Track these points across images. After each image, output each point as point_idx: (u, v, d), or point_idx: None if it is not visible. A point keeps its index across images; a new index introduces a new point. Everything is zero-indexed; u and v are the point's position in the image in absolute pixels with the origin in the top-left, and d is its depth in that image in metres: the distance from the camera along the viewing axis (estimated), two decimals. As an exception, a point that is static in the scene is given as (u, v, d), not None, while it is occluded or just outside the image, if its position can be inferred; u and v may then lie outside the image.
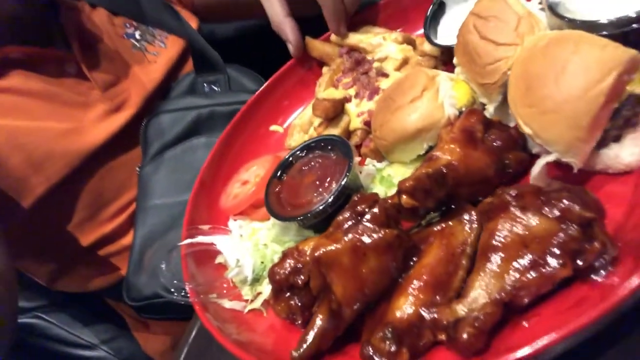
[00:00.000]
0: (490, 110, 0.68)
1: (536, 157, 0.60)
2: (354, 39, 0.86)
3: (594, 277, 0.48)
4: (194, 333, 0.79)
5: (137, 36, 1.24)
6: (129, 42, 1.22)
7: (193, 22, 1.29)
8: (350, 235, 0.55)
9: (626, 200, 0.54)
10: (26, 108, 1.05)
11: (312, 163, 0.71)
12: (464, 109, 0.68)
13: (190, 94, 1.20)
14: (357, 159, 0.76)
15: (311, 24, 0.92)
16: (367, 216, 0.55)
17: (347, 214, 0.56)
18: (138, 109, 1.15)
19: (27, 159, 1.03)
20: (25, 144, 1.03)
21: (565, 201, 0.49)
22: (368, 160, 0.77)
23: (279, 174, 0.73)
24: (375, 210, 0.55)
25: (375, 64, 0.82)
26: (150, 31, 1.26)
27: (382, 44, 0.84)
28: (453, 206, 0.60)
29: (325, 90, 0.82)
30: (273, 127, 0.94)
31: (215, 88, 1.22)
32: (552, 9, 0.60)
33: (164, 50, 1.24)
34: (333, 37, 0.89)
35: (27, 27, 1.07)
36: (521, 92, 0.57)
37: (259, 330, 0.66)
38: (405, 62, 0.83)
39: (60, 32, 1.13)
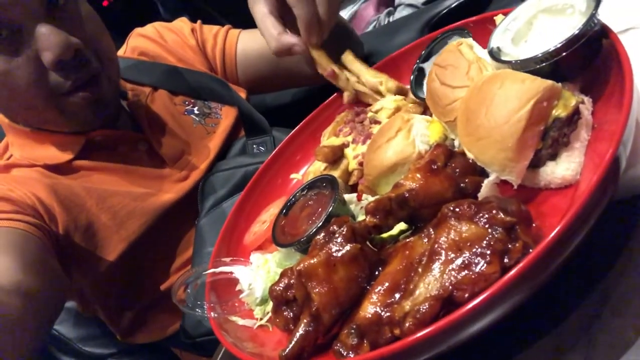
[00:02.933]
0: (456, 144, 0.78)
1: (494, 180, 0.69)
2: (355, 65, 1.00)
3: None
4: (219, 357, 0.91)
5: (196, 111, 1.42)
6: (190, 119, 1.40)
7: (242, 93, 1.47)
8: (323, 250, 0.66)
9: (563, 210, 0.62)
10: (109, 181, 1.24)
11: (310, 200, 0.84)
12: (435, 144, 0.79)
13: (241, 155, 1.36)
14: (353, 195, 0.88)
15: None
16: (337, 234, 0.67)
17: (322, 234, 0.68)
18: (202, 175, 1.31)
19: (112, 218, 1.20)
20: (111, 205, 1.20)
21: (492, 210, 0.58)
22: (364, 195, 0.88)
23: (284, 210, 0.86)
24: (344, 228, 0.67)
25: (370, 114, 0.95)
26: (206, 105, 1.44)
27: (379, 88, 0.98)
28: (419, 225, 0.70)
29: (328, 139, 0.96)
30: (293, 175, 1.08)
31: (262, 148, 1.37)
32: (492, 54, 0.71)
33: (220, 121, 1.42)
34: (343, 58, 1.04)
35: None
36: (463, 124, 0.68)
37: (267, 344, 0.77)
38: (397, 110, 0.95)
39: (130, 115, 1.33)
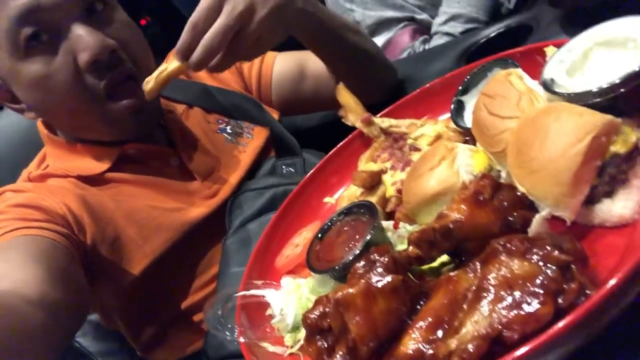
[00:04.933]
0: (503, 176, 0.75)
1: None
2: (386, 123, 0.99)
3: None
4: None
5: (229, 130, 1.43)
6: (222, 137, 1.40)
7: (275, 115, 1.48)
8: (363, 280, 0.64)
9: (620, 249, 0.59)
10: (139, 194, 1.24)
11: (347, 225, 0.82)
12: (480, 174, 0.76)
13: (270, 175, 1.35)
14: (390, 222, 0.86)
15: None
16: (378, 264, 0.64)
17: (362, 263, 0.66)
18: (231, 193, 1.31)
19: (139, 232, 1.20)
20: (138, 220, 1.20)
21: (545, 247, 0.55)
22: (401, 223, 0.86)
23: (319, 235, 0.84)
24: (385, 258, 0.64)
25: (409, 141, 0.93)
26: (239, 124, 1.44)
27: (416, 124, 0.96)
28: (464, 259, 0.67)
29: (365, 164, 0.94)
30: (326, 199, 1.06)
31: (292, 170, 1.36)
32: (545, 86, 0.69)
33: (251, 140, 1.41)
34: (376, 119, 1.02)
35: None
36: (514, 156, 0.65)
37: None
38: (437, 137, 0.93)
39: (164, 131, 1.34)
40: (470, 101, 0.95)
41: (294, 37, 1.19)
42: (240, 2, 0.95)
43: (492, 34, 1.50)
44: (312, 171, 1.08)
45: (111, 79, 1.08)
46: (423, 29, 2.01)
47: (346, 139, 1.10)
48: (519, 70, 0.77)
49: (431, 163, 0.78)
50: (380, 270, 0.64)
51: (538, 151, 0.61)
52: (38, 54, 1.04)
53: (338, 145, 1.10)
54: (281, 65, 1.48)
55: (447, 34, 1.90)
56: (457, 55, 1.51)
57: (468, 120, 0.91)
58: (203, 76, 1.46)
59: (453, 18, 1.89)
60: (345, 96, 1.03)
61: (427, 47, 1.96)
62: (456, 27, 1.88)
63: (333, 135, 1.13)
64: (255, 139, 1.42)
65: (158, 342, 1.32)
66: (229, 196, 1.29)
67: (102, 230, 1.16)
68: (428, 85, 1.07)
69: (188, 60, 0.97)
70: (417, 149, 0.91)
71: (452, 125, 0.92)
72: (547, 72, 0.69)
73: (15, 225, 1.04)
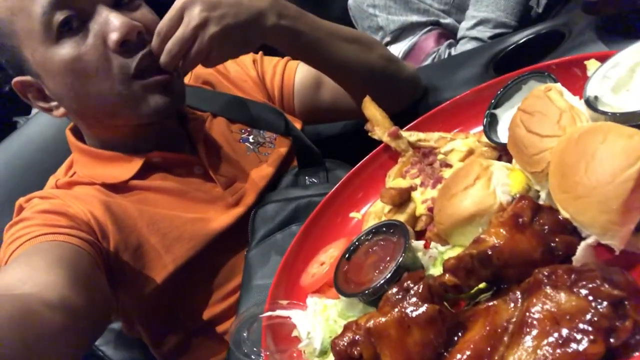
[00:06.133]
0: (542, 197, 0.72)
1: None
2: (414, 136, 0.96)
3: (634, 354, 0.49)
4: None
5: (251, 140, 1.42)
6: (244, 146, 1.40)
7: (298, 124, 1.46)
8: (396, 309, 0.61)
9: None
10: (162, 202, 1.24)
11: (375, 246, 0.79)
12: (517, 195, 0.73)
13: (293, 186, 1.34)
14: (420, 242, 0.83)
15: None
16: (412, 292, 0.61)
17: (395, 290, 0.63)
18: (253, 202, 1.30)
19: (161, 240, 1.19)
20: (161, 228, 1.20)
21: (595, 280, 0.52)
22: (432, 244, 0.82)
23: (347, 255, 0.82)
24: (420, 286, 0.61)
25: (440, 156, 0.90)
26: (261, 134, 1.44)
27: (446, 138, 0.93)
28: (503, 286, 0.64)
29: (393, 180, 0.91)
30: (352, 214, 1.04)
31: (315, 180, 1.35)
32: (589, 104, 0.65)
33: (274, 150, 1.40)
34: (404, 132, 0.99)
35: (165, 136, 1.29)
36: (557, 179, 0.62)
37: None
38: (470, 153, 0.90)
39: (188, 139, 1.34)
40: (504, 115, 0.91)
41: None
42: (195, 17, 1.05)
43: (521, 40, 1.45)
44: (337, 185, 1.06)
45: (142, 58, 1.11)
46: (448, 34, 1.97)
47: (372, 152, 1.07)
48: (559, 85, 0.74)
49: (466, 182, 0.75)
50: (414, 299, 0.61)
51: (584, 175, 0.58)
52: (69, 38, 1.08)
53: (364, 159, 1.07)
54: (302, 74, 1.47)
55: (475, 38, 1.86)
56: (485, 63, 1.47)
57: (502, 135, 0.87)
58: (226, 87, 1.45)
59: (481, 22, 1.85)
60: (371, 109, 1.01)
61: (452, 51, 1.92)
62: (484, 32, 1.84)
63: (356, 144, 1.10)
64: (277, 148, 1.41)
65: (180, 352, 1.31)
66: (251, 206, 1.28)
67: (126, 238, 1.17)
68: (458, 97, 1.04)
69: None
70: (449, 165, 0.88)
71: (485, 139, 0.89)
72: (591, 89, 0.66)
73: (41, 231, 1.05)
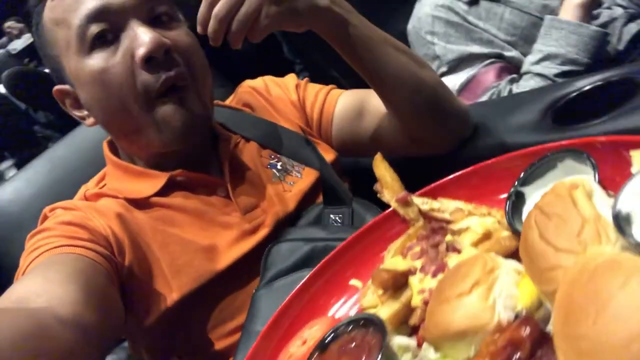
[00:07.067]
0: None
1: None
2: (427, 205, 0.83)
3: None
4: None
5: (279, 166, 1.36)
6: (271, 172, 1.34)
7: (331, 155, 1.38)
8: None
9: None
10: (179, 221, 1.21)
11: (352, 341, 0.68)
12: (523, 312, 0.59)
13: (314, 224, 1.26)
14: (410, 341, 0.70)
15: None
16: None
17: None
18: (269, 233, 1.23)
19: (170, 264, 1.17)
20: (172, 251, 1.17)
21: None
22: (425, 345, 0.70)
23: (320, 347, 0.71)
24: None
25: (448, 237, 0.77)
26: (290, 162, 1.38)
27: (463, 211, 0.79)
28: None
29: (392, 258, 0.79)
30: (353, 282, 0.93)
31: (339, 221, 1.26)
32: (617, 222, 0.50)
33: (299, 180, 1.34)
34: (416, 199, 0.87)
35: (192, 155, 1.26)
36: (561, 320, 0.48)
37: None
38: (486, 237, 0.76)
39: (216, 160, 1.30)
40: (533, 195, 0.76)
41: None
42: None
43: (587, 87, 1.27)
44: (339, 246, 0.96)
45: (167, 79, 1.10)
46: (511, 68, 1.78)
47: (384, 213, 0.95)
48: (590, 182, 0.59)
49: (461, 288, 0.62)
50: None
51: (591, 327, 0.44)
52: (101, 50, 1.10)
53: (373, 220, 0.95)
54: (343, 103, 1.40)
55: (540, 74, 1.67)
56: (543, 109, 1.30)
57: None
58: (266, 109, 1.44)
59: (548, 57, 1.66)
60: (380, 168, 0.89)
61: (514, 87, 1.74)
62: (550, 69, 1.65)
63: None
64: (303, 179, 1.34)
65: None
66: (267, 236, 1.22)
67: (139, 257, 1.15)
68: (489, 162, 0.89)
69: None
70: (457, 250, 0.75)
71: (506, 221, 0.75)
72: (622, 202, 0.51)
73: (60, 242, 1.06)
